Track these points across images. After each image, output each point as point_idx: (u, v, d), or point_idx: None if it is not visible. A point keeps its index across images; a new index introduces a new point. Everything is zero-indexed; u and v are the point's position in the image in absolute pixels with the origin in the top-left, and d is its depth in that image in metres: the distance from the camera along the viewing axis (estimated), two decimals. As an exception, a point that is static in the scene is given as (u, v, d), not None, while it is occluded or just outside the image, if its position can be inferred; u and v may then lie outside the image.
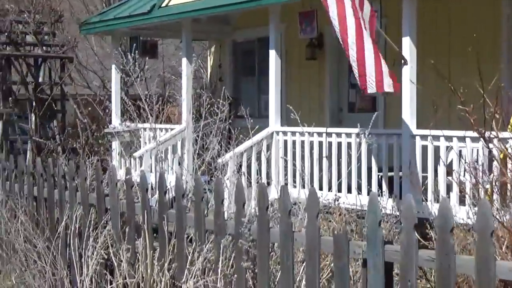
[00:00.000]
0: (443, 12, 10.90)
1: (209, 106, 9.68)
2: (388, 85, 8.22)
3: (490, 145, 6.78)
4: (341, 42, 8.37)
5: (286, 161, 10.60)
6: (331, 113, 13.24)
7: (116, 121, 13.94)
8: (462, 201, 8.42)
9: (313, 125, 9.89)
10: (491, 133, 6.51)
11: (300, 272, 5.16)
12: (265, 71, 14.23)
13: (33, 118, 14.89)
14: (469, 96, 8.22)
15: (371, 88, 8.17)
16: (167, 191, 5.97)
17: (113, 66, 14.08)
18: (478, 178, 8.04)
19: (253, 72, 15.03)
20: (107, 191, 6.43)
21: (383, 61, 8.19)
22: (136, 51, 14.55)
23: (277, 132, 10.83)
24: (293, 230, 4.81)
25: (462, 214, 7.77)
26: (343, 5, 7.99)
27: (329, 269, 5.34)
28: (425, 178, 9.00)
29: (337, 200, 7.75)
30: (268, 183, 10.52)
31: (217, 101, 9.49)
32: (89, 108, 15.32)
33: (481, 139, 6.90)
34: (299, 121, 8.87)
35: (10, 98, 14.90)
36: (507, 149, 7.19)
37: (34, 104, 14.84)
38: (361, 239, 6.01)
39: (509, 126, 8.53)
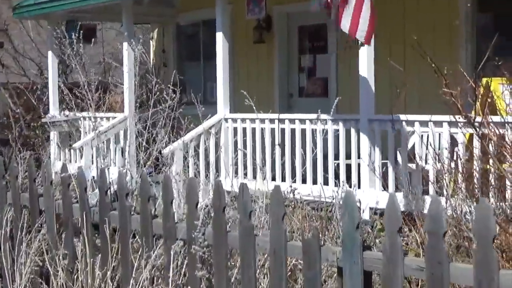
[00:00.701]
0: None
1: (157, 93, 8.99)
2: (361, 32, 7.62)
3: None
4: None
5: (237, 149, 9.99)
6: (281, 98, 12.66)
7: (54, 111, 13.15)
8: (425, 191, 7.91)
9: (263, 111, 9.34)
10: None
11: (265, 280, 4.56)
12: (210, 56, 13.57)
13: None
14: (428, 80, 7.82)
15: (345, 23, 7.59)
16: (109, 189, 5.27)
17: (50, 53, 13.26)
18: (443, 165, 7.57)
19: (199, 57, 14.35)
20: (41, 191, 5.71)
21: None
22: (74, 36, 13.96)
23: (226, 119, 10.20)
24: (255, 233, 4.17)
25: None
26: None
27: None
28: (384, 164, 8.50)
29: (293, 192, 7.18)
30: (217, 173, 9.92)
31: (167, 87, 8.80)
32: (24, 97, 14.39)
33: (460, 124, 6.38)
34: (253, 106, 8.22)
35: None
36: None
37: None
38: (329, 239, 5.44)
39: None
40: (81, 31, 14.14)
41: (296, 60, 12.66)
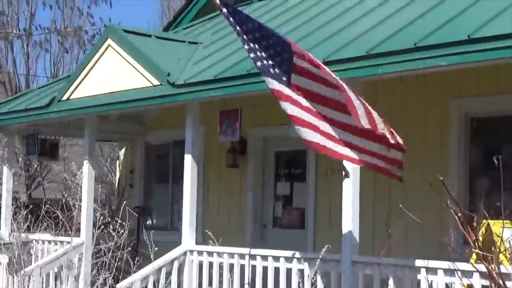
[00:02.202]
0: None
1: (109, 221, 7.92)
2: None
3: None
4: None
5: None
6: (253, 228, 11.55)
7: (4, 230, 11.94)
8: None
9: (233, 241, 8.32)
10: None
11: None
12: (180, 178, 12.56)
13: None
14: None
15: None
16: None
17: (5, 168, 12.16)
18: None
19: (167, 179, 13.29)
20: None
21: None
22: (35, 151, 12.91)
23: (191, 251, 9.05)
24: None
25: None
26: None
27: None
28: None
29: None
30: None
31: (134, 208, 7.78)
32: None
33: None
34: (215, 242, 7.17)
35: None
36: None
37: None
38: None
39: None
40: (44, 146, 13.31)
41: (271, 187, 11.62)
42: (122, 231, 7.61)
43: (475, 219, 6.95)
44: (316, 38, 8.37)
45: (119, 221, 7.42)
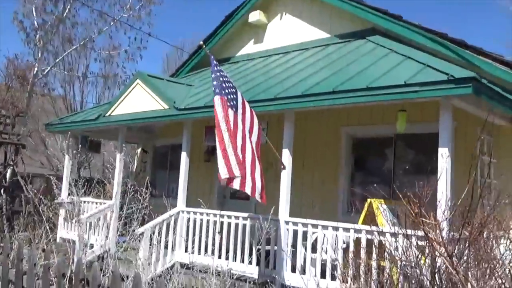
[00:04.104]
0: (303, 133, 8.99)
1: (133, 192, 7.15)
2: (258, 194, 6.02)
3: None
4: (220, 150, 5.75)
5: (188, 232, 8.12)
6: (218, 198, 10.90)
7: (64, 195, 10.99)
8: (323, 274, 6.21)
9: (206, 206, 7.67)
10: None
11: None
12: (173, 167, 11.86)
13: None
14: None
15: (248, 189, 5.92)
16: (83, 280, 3.34)
17: (66, 156, 11.22)
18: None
19: (165, 167, 12.52)
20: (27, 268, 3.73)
21: (259, 174, 5.99)
22: (85, 146, 12.05)
23: (183, 211, 8.34)
24: None
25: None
26: (230, 119, 5.78)
27: None
28: (294, 252, 6.79)
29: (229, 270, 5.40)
30: (173, 248, 8.02)
31: (145, 184, 7.04)
32: (46, 184, 12.10)
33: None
34: (203, 205, 6.51)
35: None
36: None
37: None
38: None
39: (362, 219, 6.52)
40: (92, 144, 12.45)
41: (230, 174, 11.01)
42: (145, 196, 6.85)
43: (367, 197, 6.53)
44: (269, 83, 7.84)
45: (144, 190, 6.65)
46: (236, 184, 5.72)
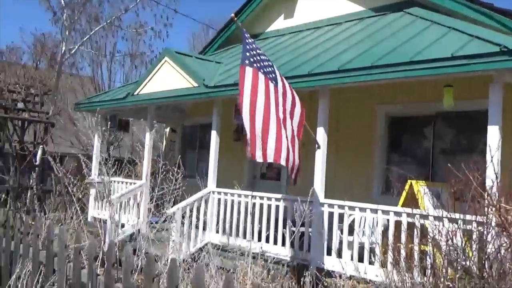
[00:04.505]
0: (335, 112, 8.66)
1: (164, 171, 6.97)
2: (294, 174, 5.72)
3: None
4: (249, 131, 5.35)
5: (219, 213, 7.96)
6: (248, 179, 10.71)
7: (94, 174, 10.95)
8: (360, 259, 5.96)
9: (238, 187, 7.47)
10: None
11: None
12: (201, 146, 11.68)
13: (14, 170, 10.69)
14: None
15: (283, 161, 5.55)
16: (116, 262, 3.17)
17: (96, 135, 11.14)
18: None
19: (194, 146, 12.35)
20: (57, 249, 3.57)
21: (297, 154, 5.65)
22: (114, 126, 11.96)
23: (213, 192, 8.17)
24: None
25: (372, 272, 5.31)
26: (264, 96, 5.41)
27: None
28: (330, 234, 6.55)
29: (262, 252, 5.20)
30: (204, 229, 7.88)
31: (174, 165, 6.86)
32: (76, 164, 12.08)
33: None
34: (236, 186, 6.31)
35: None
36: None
37: (16, 159, 10.77)
38: None
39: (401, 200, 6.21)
40: (121, 123, 12.32)
41: (260, 154, 10.78)
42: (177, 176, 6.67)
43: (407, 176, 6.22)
44: (301, 60, 7.51)
45: (176, 170, 6.47)
46: (269, 157, 5.36)
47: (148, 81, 9.54)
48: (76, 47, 15.68)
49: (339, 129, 8.80)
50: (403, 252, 5.20)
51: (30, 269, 3.65)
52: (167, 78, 9.00)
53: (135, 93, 9.76)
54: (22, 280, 3.61)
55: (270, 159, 5.34)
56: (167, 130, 13.64)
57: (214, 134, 8.38)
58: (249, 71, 5.26)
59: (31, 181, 10.75)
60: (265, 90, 5.31)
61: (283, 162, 5.43)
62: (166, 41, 34.89)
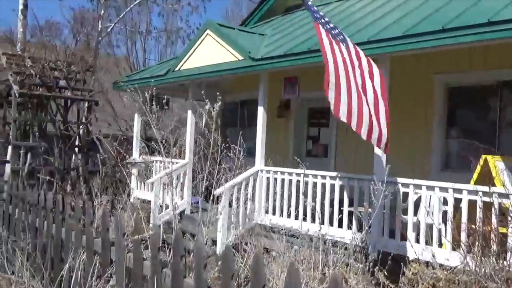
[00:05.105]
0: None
1: (224, 149, 6.53)
2: (383, 144, 5.20)
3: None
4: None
5: (268, 193, 7.59)
6: (293, 156, 10.27)
7: (135, 154, 10.76)
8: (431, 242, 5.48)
9: (280, 166, 7.08)
10: None
11: None
12: (244, 124, 11.29)
13: (59, 151, 10.46)
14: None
15: (364, 132, 5.08)
16: (185, 255, 2.81)
17: (136, 115, 10.90)
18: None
19: (236, 124, 11.96)
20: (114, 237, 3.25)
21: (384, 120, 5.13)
22: (155, 104, 11.72)
23: (262, 171, 7.79)
24: None
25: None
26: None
27: None
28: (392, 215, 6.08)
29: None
30: (253, 210, 7.54)
31: (233, 146, 6.48)
32: (116, 144, 11.90)
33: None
34: (300, 164, 5.92)
35: (37, 133, 10.62)
36: None
37: (60, 139, 10.52)
38: None
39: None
40: (161, 101, 12.05)
41: (305, 130, 10.33)
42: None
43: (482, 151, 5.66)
44: (354, 28, 6.96)
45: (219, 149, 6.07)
46: (353, 124, 4.94)
47: (189, 56, 9.16)
48: (113, 24, 15.41)
49: (394, 101, 8.25)
50: (478, 235, 4.72)
51: (84, 259, 3.35)
52: (210, 52, 8.59)
53: (176, 69, 9.41)
54: (76, 271, 3.31)
55: (354, 127, 4.95)
56: (207, 107, 13.31)
57: (261, 110, 7.96)
58: (323, 30, 4.95)
59: (75, 162, 10.58)
60: (339, 50, 4.94)
61: (363, 136, 5.01)
62: (204, 16, 34.33)
